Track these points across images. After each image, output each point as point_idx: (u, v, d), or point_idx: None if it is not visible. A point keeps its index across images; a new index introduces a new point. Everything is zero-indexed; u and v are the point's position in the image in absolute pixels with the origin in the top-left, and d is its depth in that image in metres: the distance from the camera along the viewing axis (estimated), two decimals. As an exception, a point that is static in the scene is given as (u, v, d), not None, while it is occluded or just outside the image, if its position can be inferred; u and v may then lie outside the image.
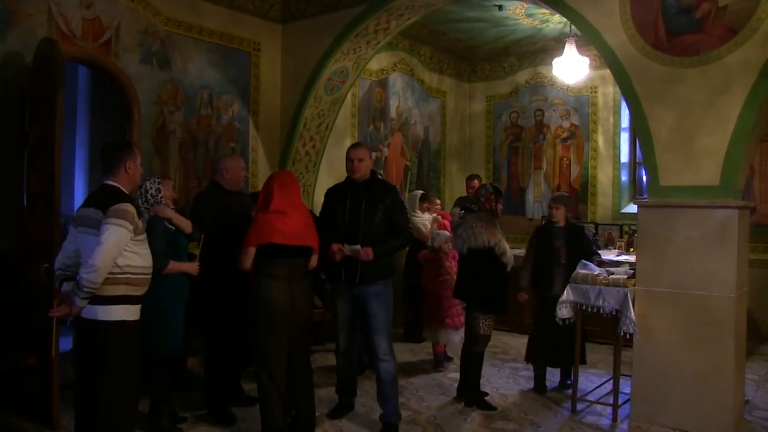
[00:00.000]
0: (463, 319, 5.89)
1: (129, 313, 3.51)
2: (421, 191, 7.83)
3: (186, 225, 4.56)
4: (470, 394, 5.37)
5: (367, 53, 7.13)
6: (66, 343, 6.58)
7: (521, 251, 8.57)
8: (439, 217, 7.48)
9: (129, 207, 3.45)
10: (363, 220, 4.56)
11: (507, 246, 5.25)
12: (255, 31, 7.06)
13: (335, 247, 4.49)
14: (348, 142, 8.12)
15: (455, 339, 6.23)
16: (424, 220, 7.27)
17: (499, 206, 5.39)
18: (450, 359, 6.67)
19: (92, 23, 5.63)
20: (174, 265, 4.40)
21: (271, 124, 7.29)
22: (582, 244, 5.73)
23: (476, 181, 8.03)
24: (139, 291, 3.55)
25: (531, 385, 5.90)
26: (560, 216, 5.75)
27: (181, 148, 6.38)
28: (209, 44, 6.60)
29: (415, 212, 7.15)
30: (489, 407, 5.26)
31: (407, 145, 9.21)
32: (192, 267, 4.55)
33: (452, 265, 6.25)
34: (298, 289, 4.28)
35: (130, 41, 5.91)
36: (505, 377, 6.25)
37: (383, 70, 8.70)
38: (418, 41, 9.19)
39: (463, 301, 5.57)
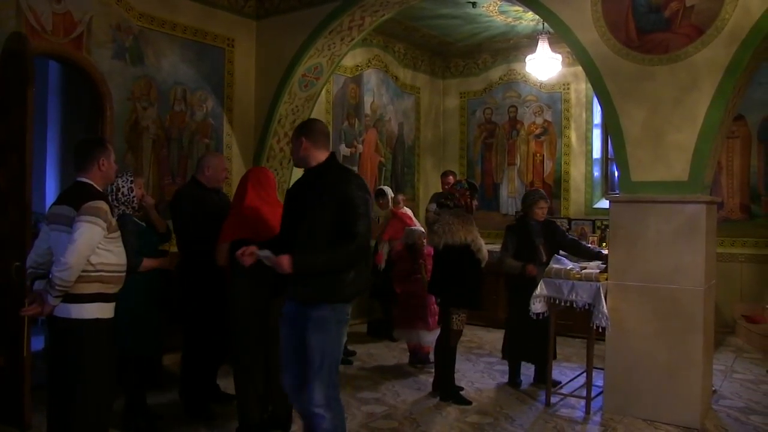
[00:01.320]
0: (437, 319, 5.87)
1: (103, 311, 3.48)
2: (380, 187, 7.82)
3: (161, 223, 4.55)
4: (445, 388, 5.40)
5: (342, 50, 7.13)
6: (38, 343, 6.52)
7: (495, 247, 8.67)
8: (391, 213, 7.32)
9: (102, 204, 3.43)
10: (299, 218, 3.51)
11: (482, 242, 5.30)
12: (229, 27, 7.03)
13: (243, 249, 3.43)
14: (322, 139, 8.11)
15: (427, 340, 6.20)
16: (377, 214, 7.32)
17: (474, 202, 5.39)
18: (428, 362, 6.44)
19: (63, 18, 5.56)
20: (147, 263, 4.39)
21: (245, 121, 7.27)
22: (557, 236, 5.80)
23: (451, 177, 8.08)
24: (113, 289, 3.53)
25: (506, 379, 5.96)
26: (545, 213, 5.80)
27: (155, 145, 6.34)
28: (183, 40, 6.55)
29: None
30: (464, 401, 5.29)
31: (382, 142, 9.22)
32: (164, 262, 4.54)
33: (426, 263, 6.17)
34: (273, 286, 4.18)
35: (102, 36, 5.85)
36: (480, 372, 6.31)
37: (358, 66, 8.71)
38: (392, 38, 9.21)
39: (437, 297, 5.57)
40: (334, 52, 7.10)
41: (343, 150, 8.55)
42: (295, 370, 3.49)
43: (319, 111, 8.01)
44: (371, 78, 8.99)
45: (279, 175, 7.39)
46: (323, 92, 7.79)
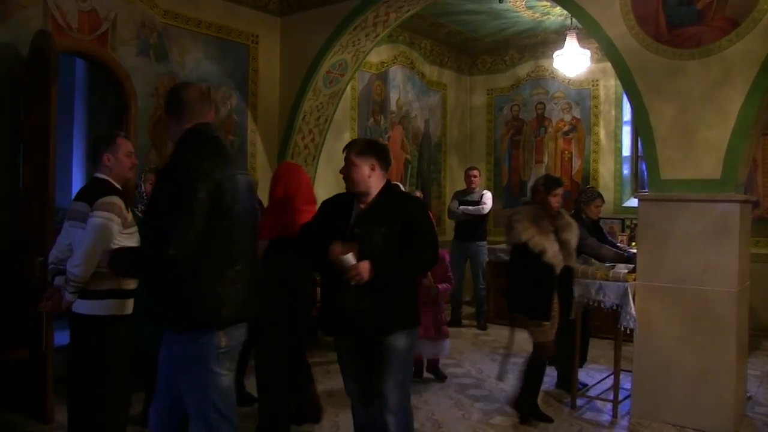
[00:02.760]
0: (445, 329, 5.55)
1: (120, 307, 3.47)
2: (394, 183, 7.62)
3: None
4: (524, 407, 4.86)
5: (367, 46, 7.08)
6: (63, 338, 6.57)
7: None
8: None
9: (115, 199, 3.41)
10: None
11: (551, 245, 4.56)
12: (253, 23, 7.01)
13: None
14: (348, 136, 8.10)
15: (429, 351, 5.61)
16: None
17: (554, 198, 4.75)
18: (443, 377, 5.86)
19: (88, 15, 5.58)
20: None
21: (269, 117, 7.25)
22: (602, 237, 5.69)
23: (475, 172, 8.03)
24: (130, 285, 3.51)
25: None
26: (599, 212, 5.65)
27: (179, 142, 6.31)
28: (207, 37, 6.55)
29: None
30: (547, 419, 4.87)
31: (407, 139, 9.16)
32: None
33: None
34: (302, 282, 4.22)
35: (126, 34, 5.87)
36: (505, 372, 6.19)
37: (383, 63, 8.65)
38: (418, 34, 9.13)
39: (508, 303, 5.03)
40: (359, 49, 7.05)
41: (369, 147, 8.47)
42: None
43: (344, 108, 7.98)
44: (397, 75, 8.92)
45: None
46: (348, 89, 7.74)
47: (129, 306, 3.54)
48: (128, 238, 3.48)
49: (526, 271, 4.59)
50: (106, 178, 3.52)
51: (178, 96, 2.87)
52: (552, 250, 4.51)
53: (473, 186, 8.07)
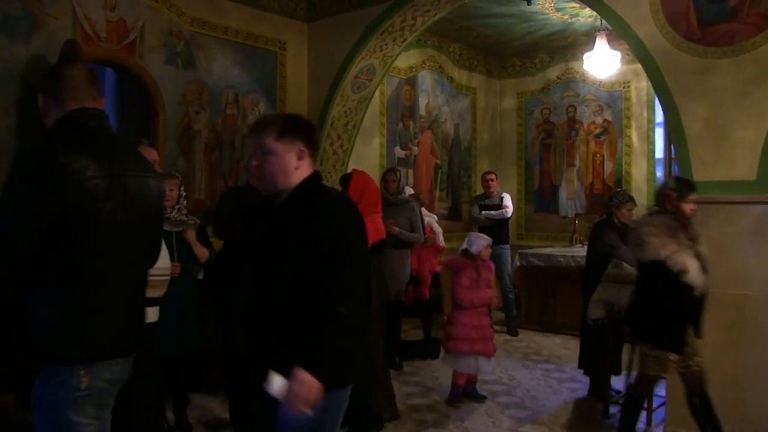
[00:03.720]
0: (493, 345, 5.28)
1: (148, 315, 3.46)
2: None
3: (202, 255, 4.52)
4: None
5: (394, 50, 7.03)
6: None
7: (554, 250, 8.46)
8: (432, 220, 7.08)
9: None
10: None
11: (692, 262, 3.93)
12: (280, 29, 7.01)
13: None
14: (377, 141, 8.07)
15: (488, 369, 5.35)
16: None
17: (687, 205, 4.06)
18: (483, 398, 5.41)
19: (116, 24, 5.62)
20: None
21: (297, 124, 7.21)
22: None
23: (492, 176, 8.08)
24: (158, 292, 3.50)
25: (563, 387, 5.75)
26: (631, 216, 5.49)
27: (207, 149, 6.35)
28: (234, 44, 6.56)
29: None
30: None
31: (437, 143, 9.09)
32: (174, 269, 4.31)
33: (491, 277, 5.43)
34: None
35: (154, 42, 5.90)
36: (537, 379, 6.09)
37: (412, 67, 8.60)
38: (446, 38, 9.07)
39: (629, 327, 4.50)
40: (387, 53, 7.01)
41: (398, 152, 8.45)
42: None
43: (373, 113, 7.94)
44: (426, 79, 8.86)
45: (332, 177, 7.34)
46: (377, 94, 7.71)
47: (156, 313, 3.54)
48: None
49: (659, 292, 3.99)
50: None
51: (58, 73, 2.39)
52: (694, 269, 3.89)
53: (491, 190, 8.05)
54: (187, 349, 4.54)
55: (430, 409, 5.20)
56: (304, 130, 2.44)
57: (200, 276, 4.71)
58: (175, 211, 4.50)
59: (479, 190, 9.65)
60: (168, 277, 3.57)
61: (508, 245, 8.04)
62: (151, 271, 3.36)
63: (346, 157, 7.42)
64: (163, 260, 3.51)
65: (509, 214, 7.95)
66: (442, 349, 5.40)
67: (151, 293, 3.42)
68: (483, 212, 7.94)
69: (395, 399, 4.70)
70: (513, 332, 7.94)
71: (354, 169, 4.71)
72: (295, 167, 2.37)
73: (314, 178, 2.44)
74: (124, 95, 6.34)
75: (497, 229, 7.71)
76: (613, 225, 5.35)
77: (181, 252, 4.43)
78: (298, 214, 2.35)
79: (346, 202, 2.48)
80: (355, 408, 4.43)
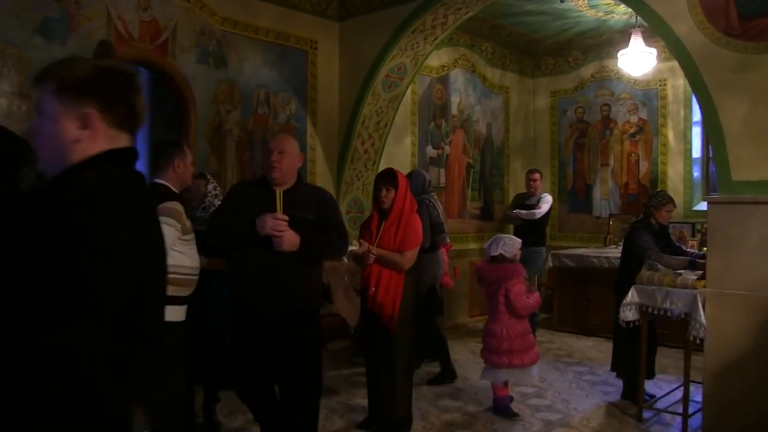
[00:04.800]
0: (536, 351, 5.04)
1: (174, 314, 3.44)
2: None
3: None
4: None
5: (425, 49, 6.98)
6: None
7: (587, 251, 8.32)
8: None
9: (177, 206, 3.40)
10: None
11: None
12: (312, 29, 7.00)
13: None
14: (408, 140, 8.02)
15: (533, 376, 5.13)
16: None
17: None
18: (514, 415, 5.01)
19: (149, 25, 5.66)
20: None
21: (328, 123, 7.23)
22: (669, 242, 5.40)
23: (537, 175, 7.74)
24: (185, 291, 3.48)
25: (595, 390, 5.63)
26: (670, 217, 5.36)
27: (238, 148, 6.37)
28: (265, 43, 6.57)
29: None
30: None
31: (469, 143, 9.00)
32: (213, 262, 4.40)
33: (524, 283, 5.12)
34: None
35: (186, 42, 5.93)
36: (568, 382, 5.98)
37: (444, 66, 8.53)
38: (478, 36, 8.97)
39: None
40: (418, 52, 6.96)
41: (430, 152, 8.38)
42: None
43: (405, 112, 7.89)
44: (458, 78, 8.78)
45: (363, 177, 7.32)
46: (408, 93, 7.66)
47: (183, 313, 3.52)
48: (186, 245, 3.46)
49: None
50: (166, 183, 3.51)
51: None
52: None
53: (533, 190, 7.71)
54: (218, 346, 4.54)
55: (459, 411, 5.13)
56: (103, 85, 1.56)
57: None
58: (200, 210, 4.52)
59: (512, 190, 9.55)
60: (196, 277, 3.55)
61: (542, 247, 7.58)
62: (179, 270, 3.37)
63: (378, 157, 7.38)
64: (192, 259, 3.50)
65: (537, 216, 7.52)
66: (485, 366, 5.11)
67: (178, 292, 3.42)
68: (514, 210, 7.66)
69: (412, 399, 4.61)
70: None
71: (392, 168, 4.63)
72: (73, 139, 1.52)
73: (101, 159, 1.54)
74: (157, 95, 6.37)
75: (529, 230, 7.36)
76: (649, 226, 5.21)
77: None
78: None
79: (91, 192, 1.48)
80: (378, 411, 4.44)
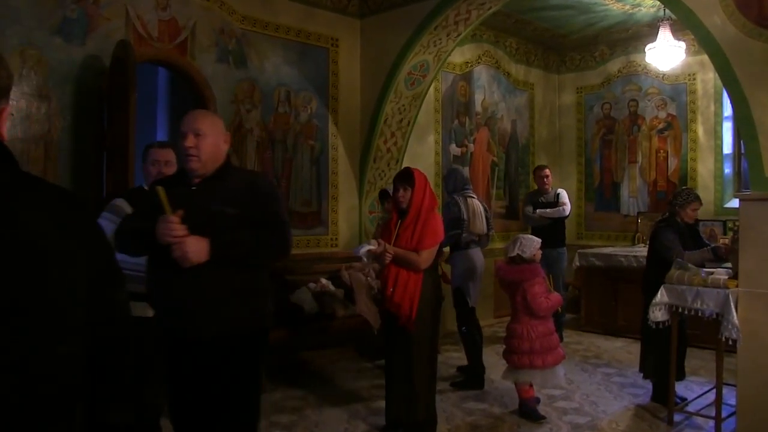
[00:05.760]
0: (560, 352, 4.94)
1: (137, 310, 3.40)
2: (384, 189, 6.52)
3: None
4: None
5: (448, 45, 6.90)
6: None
7: (615, 250, 8.17)
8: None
9: (120, 202, 3.60)
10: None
11: None
12: (332, 26, 6.96)
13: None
14: (432, 138, 7.95)
15: (558, 377, 5.03)
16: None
17: None
18: (541, 418, 4.88)
19: (168, 24, 5.66)
20: None
21: (350, 121, 7.18)
22: (699, 242, 5.26)
23: (547, 171, 7.48)
24: (136, 288, 3.37)
25: (624, 392, 5.51)
26: (697, 216, 5.23)
27: (259, 148, 6.35)
28: (285, 41, 6.54)
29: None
30: None
31: (494, 141, 8.91)
32: None
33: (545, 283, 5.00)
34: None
35: (205, 41, 5.92)
36: (596, 383, 5.86)
37: (467, 62, 8.44)
38: (503, 32, 8.87)
39: None
40: (441, 49, 6.89)
41: (454, 150, 8.30)
42: None
43: (428, 109, 7.82)
44: (482, 74, 8.69)
45: (386, 176, 7.26)
46: (431, 90, 7.59)
47: (144, 309, 3.42)
48: None
49: None
50: (143, 185, 3.71)
51: None
52: None
53: (546, 186, 7.44)
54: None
55: (484, 413, 5.05)
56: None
57: None
58: None
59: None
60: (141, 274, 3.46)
61: (564, 248, 7.40)
62: (123, 266, 3.28)
63: (401, 155, 7.33)
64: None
65: (567, 212, 7.38)
66: (507, 367, 5.05)
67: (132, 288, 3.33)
68: (538, 210, 7.36)
69: (435, 401, 4.55)
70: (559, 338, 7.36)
71: (410, 167, 4.58)
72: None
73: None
74: (177, 95, 6.38)
75: (553, 230, 7.18)
76: (674, 225, 5.09)
77: None
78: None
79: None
80: (396, 413, 4.39)
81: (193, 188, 2.85)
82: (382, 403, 4.84)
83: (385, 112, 7.05)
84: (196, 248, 2.65)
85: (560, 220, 7.35)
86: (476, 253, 5.92)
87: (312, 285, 6.23)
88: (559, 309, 7.06)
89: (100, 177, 5.12)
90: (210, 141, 2.81)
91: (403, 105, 7.14)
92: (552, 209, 7.30)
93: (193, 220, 2.68)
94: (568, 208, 7.35)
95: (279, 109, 6.50)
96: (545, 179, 7.44)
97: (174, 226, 2.64)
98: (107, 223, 3.34)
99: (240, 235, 2.78)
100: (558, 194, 7.41)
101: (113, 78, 4.95)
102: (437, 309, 4.50)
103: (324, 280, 6.32)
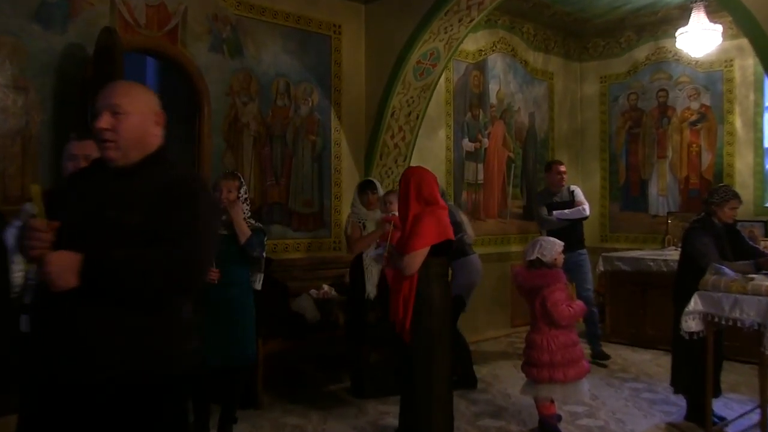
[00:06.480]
0: (584, 365, 4.87)
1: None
2: (369, 179, 6.26)
3: (243, 234, 4.51)
4: None
5: (460, 32, 6.87)
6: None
7: (643, 253, 8.12)
8: (389, 223, 4.91)
9: (29, 206, 3.39)
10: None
11: None
12: (335, 12, 6.94)
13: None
14: (442, 133, 7.92)
15: (582, 392, 4.93)
16: (363, 215, 5.77)
17: None
18: None
19: (157, 10, 5.64)
20: None
21: (355, 115, 7.16)
22: (741, 243, 5.18)
23: (562, 167, 7.25)
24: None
25: (654, 410, 5.46)
26: (735, 215, 5.12)
27: (256, 143, 6.33)
28: (284, 28, 6.52)
29: (354, 206, 5.87)
30: None
31: (510, 135, 8.87)
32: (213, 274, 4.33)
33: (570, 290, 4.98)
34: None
35: (198, 28, 5.90)
36: (624, 399, 5.81)
37: (481, 50, 8.41)
38: (519, 17, 8.84)
39: None
40: (452, 36, 6.85)
41: (467, 145, 8.27)
42: None
43: (438, 102, 7.79)
44: (497, 63, 8.65)
45: (393, 173, 7.24)
46: (442, 81, 7.58)
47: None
48: None
49: None
50: None
51: None
52: None
53: (562, 184, 7.21)
54: (237, 361, 4.52)
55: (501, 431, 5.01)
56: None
57: (256, 285, 4.73)
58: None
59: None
60: None
61: (585, 250, 7.22)
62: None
63: (409, 152, 7.30)
64: None
65: (588, 212, 7.19)
66: (526, 381, 5.00)
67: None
68: (554, 212, 7.11)
69: (441, 416, 4.51)
70: (600, 354, 7.14)
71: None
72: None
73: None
74: (167, 86, 6.36)
75: (572, 232, 6.99)
76: (710, 226, 5.02)
77: (227, 257, 4.41)
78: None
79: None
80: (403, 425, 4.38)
81: (90, 186, 2.39)
82: (392, 420, 4.81)
83: (392, 105, 7.03)
84: (60, 266, 2.13)
85: (579, 221, 7.17)
86: (477, 260, 6.11)
87: (314, 292, 6.23)
88: (594, 319, 7.03)
89: (84, 176, 5.10)
90: (133, 121, 2.34)
91: (412, 97, 7.12)
92: (570, 210, 7.10)
93: (77, 229, 2.22)
94: (587, 206, 7.18)
95: (278, 102, 6.48)
96: (564, 175, 7.23)
97: (36, 234, 2.16)
98: (14, 231, 3.04)
99: (119, 253, 2.18)
100: (572, 192, 7.22)
101: (98, 68, 4.91)
102: (448, 321, 4.43)
103: (326, 287, 6.31)
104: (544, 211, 7.19)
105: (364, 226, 5.65)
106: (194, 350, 2.51)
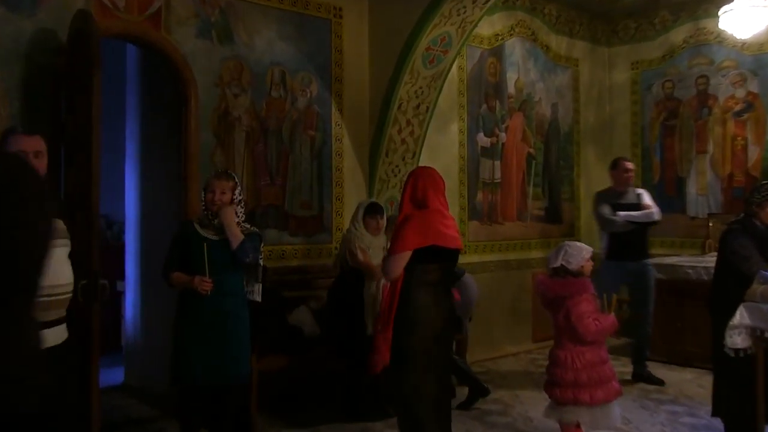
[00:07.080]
0: (614, 386, 4.83)
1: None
2: (372, 200, 6.52)
3: (235, 238, 4.52)
4: None
5: (475, 14, 6.87)
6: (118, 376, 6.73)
7: (681, 260, 8.09)
8: None
9: None
10: None
11: None
12: (336, -7, 6.97)
13: None
14: (455, 127, 7.95)
15: (612, 416, 4.87)
16: (367, 242, 5.94)
17: None
18: None
19: (137, -9, 5.66)
20: (178, 278, 4.55)
21: (358, 107, 7.18)
22: None
23: (629, 164, 7.24)
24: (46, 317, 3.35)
25: (695, 435, 5.45)
26: None
27: (249, 139, 6.34)
28: (280, 12, 6.54)
29: (356, 228, 5.98)
30: None
31: (530, 128, 8.93)
32: (200, 284, 4.41)
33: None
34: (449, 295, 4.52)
35: (183, 12, 5.91)
36: (660, 424, 5.82)
37: (498, 35, 8.45)
38: (540, -3, 8.88)
39: None
40: (465, 19, 6.86)
41: (482, 140, 8.30)
42: None
43: (450, 92, 7.83)
44: (515, 49, 8.70)
45: (401, 172, 7.24)
46: (454, 69, 7.60)
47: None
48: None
49: None
50: None
51: None
52: None
53: (630, 183, 7.25)
54: (230, 381, 4.55)
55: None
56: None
57: (254, 296, 4.81)
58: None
59: (583, 186, 9.40)
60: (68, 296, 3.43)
61: (649, 260, 7.25)
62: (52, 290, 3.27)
63: (418, 148, 7.32)
64: (63, 276, 3.41)
65: (659, 216, 7.13)
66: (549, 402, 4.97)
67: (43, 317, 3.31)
68: (621, 213, 7.04)
69: None
70: (649, 378, 7.08)
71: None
72: None
73: None
74: (150, 76, 6.38)
75: (639, 238, 7.01)
76: (750, 228, 4.99)
77: (217, 265, 4.46)
78: None
79: None
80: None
81: None
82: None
83: (399, 96, 7.03)
84: None
85: (646, 226, 7.13)
86: (468, 278, 6.29)
87: (313, 303, 6.23)
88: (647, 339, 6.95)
89: (58, 174, 5.09)
90: None
91: (421, 87, 7.13)
92: (639, 213, 7.05)
93: None
94: (657, 211, 7.14)
95: (272, 94, 6.49)
96: (630, 174, 7.22)
97: None
98: None
99: None
100: (639, 195, 7.23)
101: (72, 56, 4.91)
102: (438, 331, 4.36)
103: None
104: (607, 209, 7.11)
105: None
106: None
